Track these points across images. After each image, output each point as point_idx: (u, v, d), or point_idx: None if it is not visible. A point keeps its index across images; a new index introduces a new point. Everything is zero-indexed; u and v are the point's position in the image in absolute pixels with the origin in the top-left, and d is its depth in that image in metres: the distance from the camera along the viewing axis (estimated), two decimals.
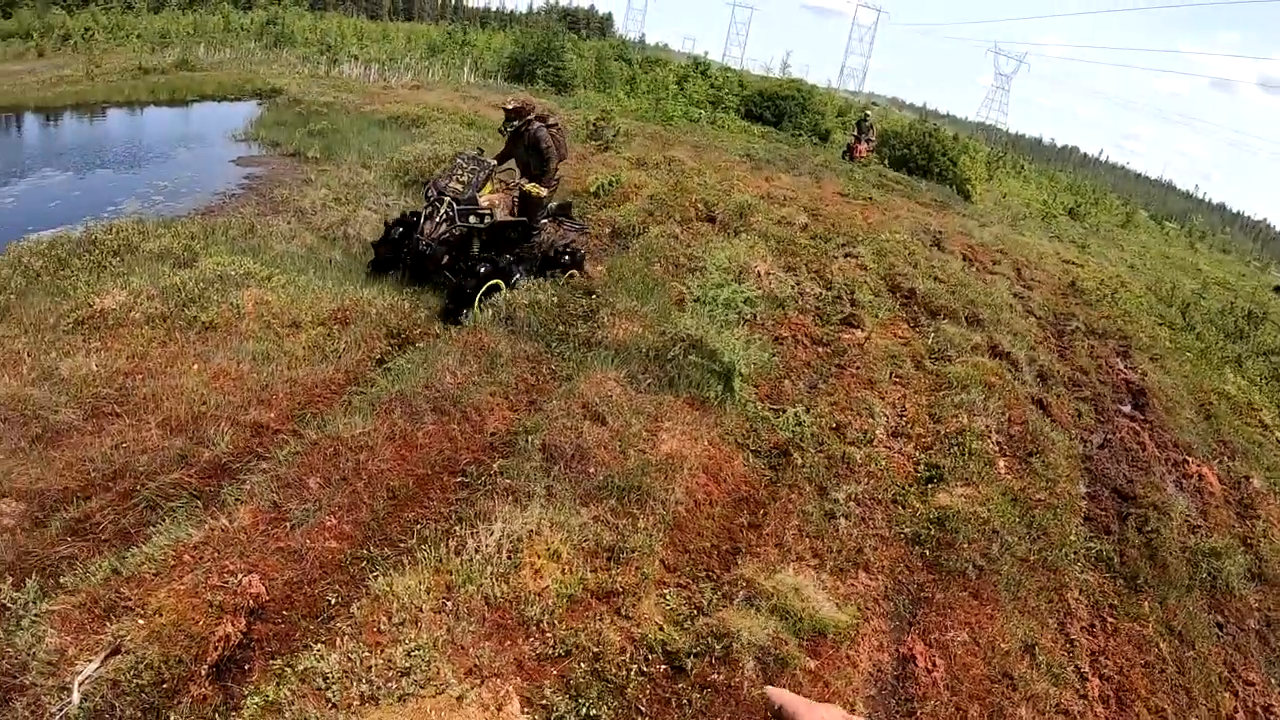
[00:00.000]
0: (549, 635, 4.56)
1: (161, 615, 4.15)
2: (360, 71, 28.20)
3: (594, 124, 19.80)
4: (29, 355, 6.51)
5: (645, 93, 33.88)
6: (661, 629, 4.85)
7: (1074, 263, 18.70)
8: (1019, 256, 17.28)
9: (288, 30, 36.01)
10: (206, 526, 4.91)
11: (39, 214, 11.07)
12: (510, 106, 9.39)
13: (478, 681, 4.17)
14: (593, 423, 6.58)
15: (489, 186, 9.08)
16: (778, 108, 35.21)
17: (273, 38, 34.26)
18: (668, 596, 5.16)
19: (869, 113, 32.14)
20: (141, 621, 4.09)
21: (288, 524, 5.10)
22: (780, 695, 1.05)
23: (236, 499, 5.24)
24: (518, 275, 9.13)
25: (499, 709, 4.07)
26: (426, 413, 6.47)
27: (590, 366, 7.55)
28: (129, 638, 3.98)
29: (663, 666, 4.64)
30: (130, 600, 4.25)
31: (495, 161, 9.27)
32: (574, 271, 10.12)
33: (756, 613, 5.02)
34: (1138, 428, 9.90)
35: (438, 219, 8.79)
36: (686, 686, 4.53)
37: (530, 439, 6.28)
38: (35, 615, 4.12)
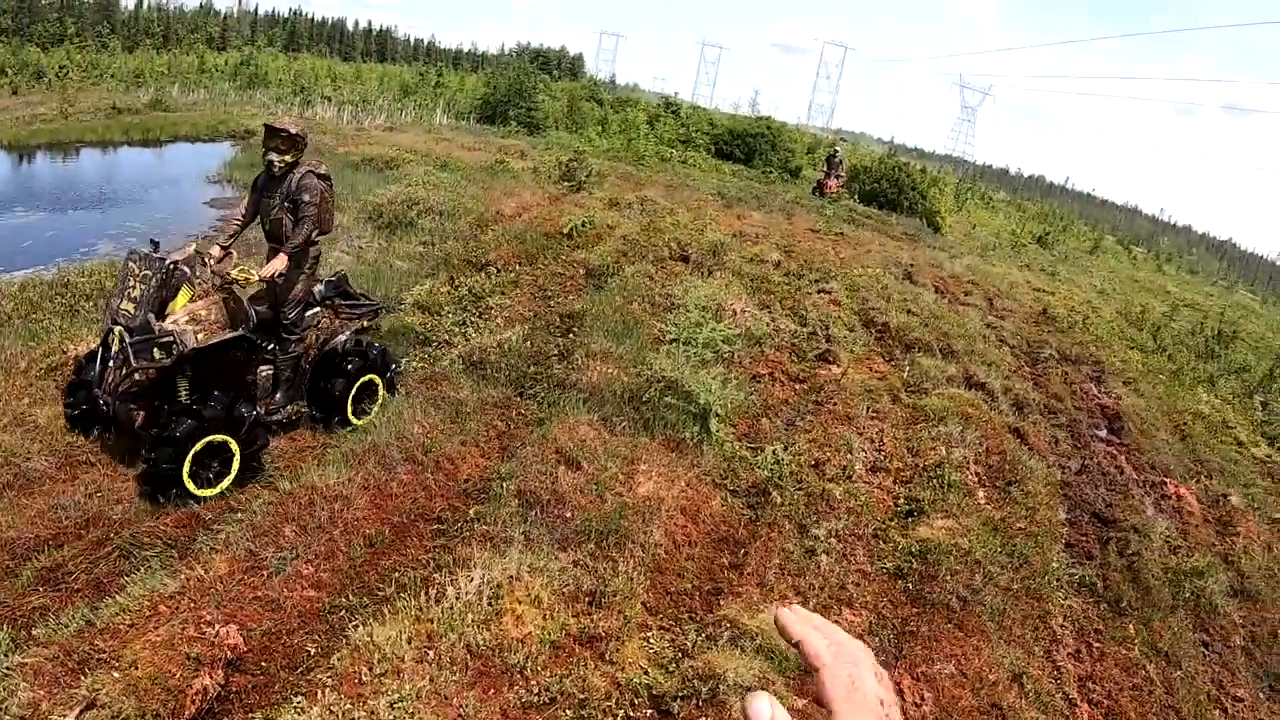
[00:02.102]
0: (533, 683, 4.53)
1: (137, 668, 4.09)
2: (333, 113, 28.26)
3: (566, 165, 19.89)
4: (0, 401, 6.45)
5: (617, 133, 34.10)
6: (646, 673, 4.81)
7: (1045, 290, 18.91)
8: (990, 286, 17.45)
9: (262, 71, 36.08)
10: (182, 576, 4.87)
11: (10, 254, 10.99)
12: (295, 129, 6.39)
13: None
14: (568, 467, 6.55)
15: (184, 293, 5.95)
16: (748, 145, 35.52)
17: (247, 79, 34.29)
18: (651, 640, 5.12)
19: (838, 148, 32.50)
20: (117, 674, 4.03)
21: (264, 573, 5.06)
22: (792, 625, 0.92)
23: (212, 548, 5.20)
24: (257, 413, 6.21)
25: None
26: (399, 463, 6.45)
27: (564, 410, 7.53)
28: (104, 691, 3.92)
29: (649, 711, 4.60)
30: (105, 652, 4.20)
31: (178, 259, 5.91)
32: (374, 380, 7.30)
33: (742, 653, 4.99)
34: (1115, 452, 9.97)
35: (113, 361, 5.83)
36: None
37: (505, 485, 6.26)
38: (7, 668, 4.06)
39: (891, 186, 29.02)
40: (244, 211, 6.64)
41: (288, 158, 6.35)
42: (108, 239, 12.32)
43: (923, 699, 5.13)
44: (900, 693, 5.14)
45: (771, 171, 33.44)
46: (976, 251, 23.92)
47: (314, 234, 6.50)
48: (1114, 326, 16.81)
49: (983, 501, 7.70)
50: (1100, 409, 11.37)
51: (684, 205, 18.97)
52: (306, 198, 6.33)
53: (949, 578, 6.26)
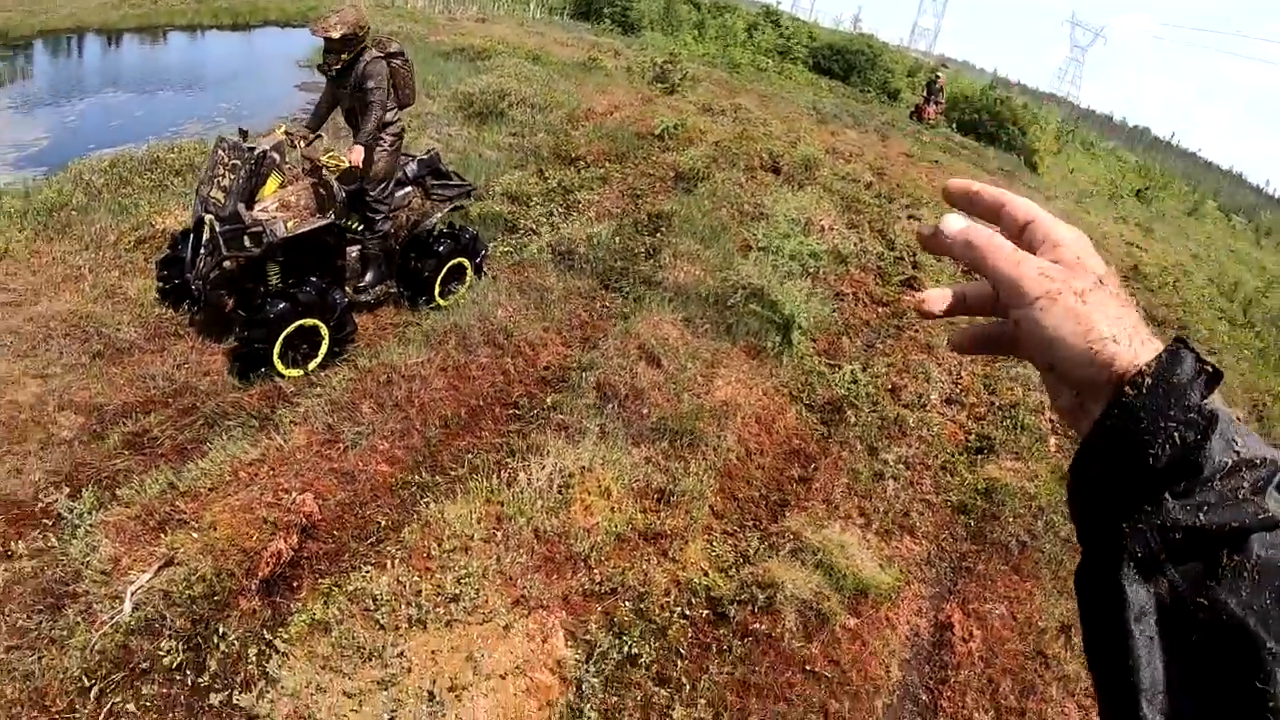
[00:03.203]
0: (596, 572, 4.61)
1: (215, 529, 4.23)
2: (424, 2, 27.92)
3: (660, 66, 19.48)
4: (90, 272, 6.60)
5: (713, 38, 33.29)
6: (706, 574, 4.87)
7: (1138, 246, 18.19)
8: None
9: None
10: (262, 445, 4.99)
11: (101, 132, 11.13)
12: (336, 34, 6.06)
13: (524, 612, 4.21)
14: (648, 364, 6.56)
15: (273, 180, 5.94)
16: (847, 62, 34.51)
17: None
18: (714, 543, 5.18)
19: (939, 75, 31.30)
20: (195, 535, 4.17)
21: (340, 446, 5.17)
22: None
23: (291, 420, 5.32)
24: (349, 300, 6.37)
25: (544, 640, 4.11)
26: (480, 345, 6.49)
27: (648, 307, 7.50)
28: (182, 550, 4.07)
29: (705, 612, 4.67)
30: (185, 513, 4.34)
31: (267, 147, 5.87)
32: (463, 262, 7.32)
33: (801, 566, 5.02)
34: None
35: (204, 249, 5.83)
36: (727, 633, 4.56)
37: (584, 376, 6.29)
38: (90, 525, 4.22)
39: (991, 119, 28.13)
40: (323, 99, 6.65)
41: (344, 56, 6.21)
42: (197, 119, 12.40)
43: (971, 635, 5.11)
44: (950, 625, 5.13)
45: (869, 91, 32.51)
46: (1072, 196, 23.09)
47: (391, 113, 6.45)
48: (1204, 294, 16.10)
49: (1053, 449, 7.55)
50: None
51: (778, 116, 18.55)
52: (371, 84, 6.22)
53: (1011, 520, 6.18)
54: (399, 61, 6.48)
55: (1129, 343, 0.69)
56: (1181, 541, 0.61)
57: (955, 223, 0.77)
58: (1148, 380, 0.64)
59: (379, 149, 6.43)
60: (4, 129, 11.14)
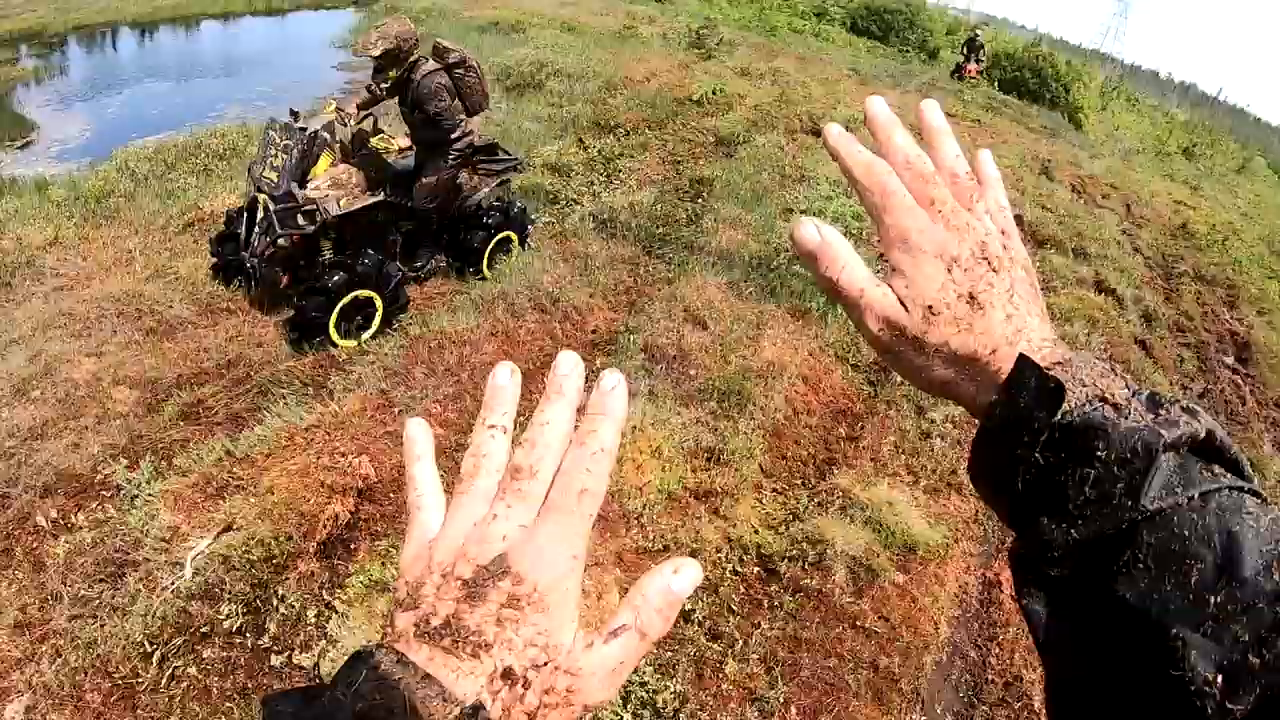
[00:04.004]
0: (649, 529, 4.66)
1: (273, 494, 4.33)
2: None
3: (697, 32, 19.38)
4: (140, 255, 6.74)
5: (748, 2, 33.03)
6: (757, 532, 4.91)
7: (1186, 204, 17.77)
8: (1130, 192, 16.56)
9: None
10: (317, 411, 5.08)
11: (142, 122, 11.34)
12: (378, 51, 5.84)
13: None
14: (694, 326, 6.61)
15: (324, 159, 6.07)
16: (884, 22, 34.02)
17: None
18: (764, 500, 5.21)
19: (979, 32, 30.86)
20: (253, 500, 4.27)
21: (394, 410, 5.25)
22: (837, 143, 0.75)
23: (345, 387, 5.41)
24: (403, 274, 6.51)
25: (599, 598, 4.08)
26: (528, 311, 6.56)
27: (692, 271, 7.53)
28: (240, 515, 4.17)
29: (756, 568, 4.72)
30: (242, 480, 4.45)
31: (318, 127, 6.00)
32: (509, 235, 7.39)
33: (850, 523, 5.04)
34: (1239, 381, 9.51)
35: (258, 228, 5.97)
36: (778, 589, 4.60)
37: (632, 339, 6.35)
38: (149, 495, 4.33)
39: (1034, 77, 27.73)
40: (364, 102, 6.42)
41: (391, 73, 6.04)
42: (236, 103, 12.60)
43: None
44: (998, 583, 5.13)
45: (908, 51, 32.07)
46: (1118, 154, 22.65)
47: (458, 127, 6.25)
48: (1255, 253, 15.70)
49: None
50: (1230, 335, 10.80)
51: (817, 79, 18.31)
52: (431, 108, 6.02)
53: None
54: (461, 70, 6.20)
55: (974, 375, 0.69)
56: (1065, 556, 0.60)
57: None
58: (998, 412, 0.65)
59: (439, 164, 6.35)
60: (45, 124, 11.36)
